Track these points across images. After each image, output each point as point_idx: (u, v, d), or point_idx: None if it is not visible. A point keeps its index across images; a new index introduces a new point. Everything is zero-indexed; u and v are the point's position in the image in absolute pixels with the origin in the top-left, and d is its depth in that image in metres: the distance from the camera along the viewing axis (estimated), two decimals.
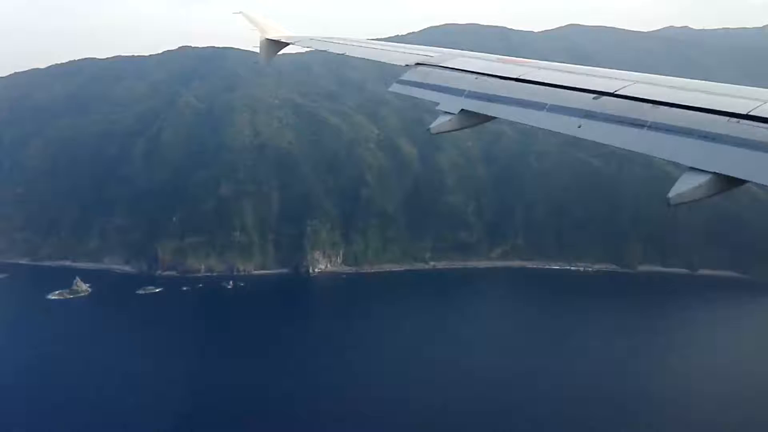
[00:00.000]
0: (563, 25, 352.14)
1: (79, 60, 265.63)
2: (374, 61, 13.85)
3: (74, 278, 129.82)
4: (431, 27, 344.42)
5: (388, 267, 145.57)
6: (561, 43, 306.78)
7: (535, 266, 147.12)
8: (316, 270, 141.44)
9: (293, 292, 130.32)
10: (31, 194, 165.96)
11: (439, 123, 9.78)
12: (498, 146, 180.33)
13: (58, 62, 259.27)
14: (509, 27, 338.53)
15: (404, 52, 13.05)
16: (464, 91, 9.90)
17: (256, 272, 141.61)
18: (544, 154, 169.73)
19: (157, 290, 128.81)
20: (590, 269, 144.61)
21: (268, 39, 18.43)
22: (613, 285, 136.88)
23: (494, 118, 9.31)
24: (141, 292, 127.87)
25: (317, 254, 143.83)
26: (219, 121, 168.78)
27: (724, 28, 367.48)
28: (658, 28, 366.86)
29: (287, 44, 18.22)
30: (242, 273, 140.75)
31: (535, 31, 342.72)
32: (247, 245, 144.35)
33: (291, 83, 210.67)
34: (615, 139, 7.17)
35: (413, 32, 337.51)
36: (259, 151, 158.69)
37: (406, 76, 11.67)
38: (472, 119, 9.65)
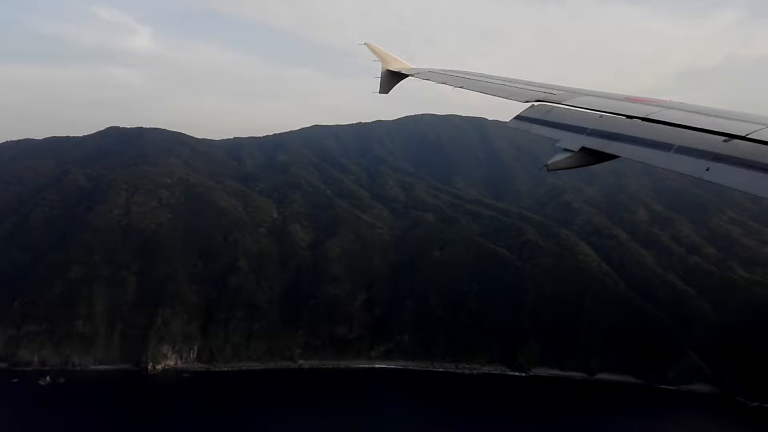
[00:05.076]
0: None
1: (15, 141, 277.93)
2: (492, 96, 14.47)
3: None
4: (407, 116, 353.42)
5: (247, 365, 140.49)
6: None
7: (416, 368, 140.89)
8: (158, 367, 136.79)
9: (111, 392, 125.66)
10: None
11: (557, 159, 10.42)
12: (413, 233, 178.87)
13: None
14: (488, 118, 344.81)
15: (524, 89, 13.86)
16: (586, 129, 10.47)
17: (93, 367, 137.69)
18: (450, 242, 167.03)
19: None
20: (476, 372, 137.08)
21: (389, 70, 20.54)
22: (497, 391, 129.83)
23: (616, 156, 9.70)
24: None
25: (165, 348, 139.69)
26: (96, 200, 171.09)
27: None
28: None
29: (407, 76, 20.00)
30: (77, 368, 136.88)
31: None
32: (90, 336, 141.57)
33: (202, 163, 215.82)
34: (745, 185, 7.34)
35: (381, 120, 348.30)
36: (123, 232, 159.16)
37: (525, 113, 12.50)
38: (592, 157, 10.15)
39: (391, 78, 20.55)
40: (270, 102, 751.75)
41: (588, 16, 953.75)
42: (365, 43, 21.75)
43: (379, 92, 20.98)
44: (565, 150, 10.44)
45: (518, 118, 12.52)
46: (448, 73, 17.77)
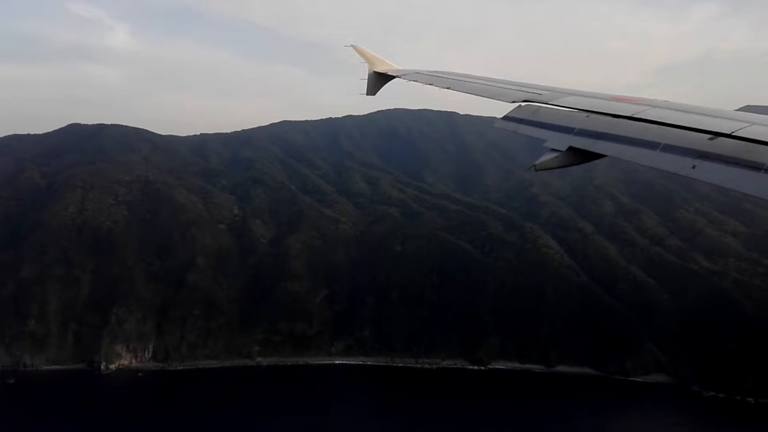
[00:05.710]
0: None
1: None
2: (479, 96, 14.67)
3: None
4: (378, 111, 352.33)
5: (204, 363, 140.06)
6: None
7: (376, 363, 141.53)
8: (112, 366, 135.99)
9: (62, 393, 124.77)
10: None
11: (545, 160, 10.56)
12: (376, 228, 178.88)
13: None
14: (459, 112, 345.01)
15: (511, 89, 14.05)
16: (573, 128, 10.65)
17: (46, 368, 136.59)
18: (413, 237, 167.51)
19: None
20: (435, 366, 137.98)
21: (375, 72, 20.84)
22: (457, 386, 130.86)
23: (603, 156, 9.91)
24: None
25: (119, 348, 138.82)
26: (50, 198, 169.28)
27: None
28: None
29: (393, 77, 20.21)
30: (29, 368, 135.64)
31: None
32: (42, 336, 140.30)
33: (164, 160, 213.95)
34: (730, 182, 7.51)
35: (352, 115, 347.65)
36: (77, 231, 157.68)
37: (512, 113, 12.70)
38: (579, 157, 10.33)
39: (378, 80, 20.88)
40: (248, 99, 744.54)
41: (572, 12, 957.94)
42: (352, 46, 21.98)
43: (366, 94, 21.27)
44: (553, 150, 10.61)
45: (505, 118, 12.73)
46: (434, 74, 18.10)
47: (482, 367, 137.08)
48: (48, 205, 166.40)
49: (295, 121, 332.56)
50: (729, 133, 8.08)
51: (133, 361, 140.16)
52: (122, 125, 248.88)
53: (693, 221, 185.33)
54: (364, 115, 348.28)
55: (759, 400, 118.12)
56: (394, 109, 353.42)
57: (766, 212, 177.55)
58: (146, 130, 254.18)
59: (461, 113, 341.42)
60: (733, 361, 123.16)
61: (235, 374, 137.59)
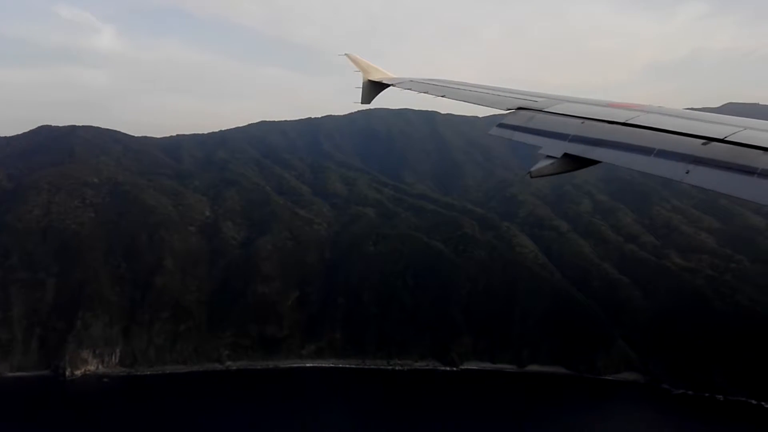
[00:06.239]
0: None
1: None
2: (473, 104, 15.08)
3: None
4: (358, 111, 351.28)
5: (172, 368, 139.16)
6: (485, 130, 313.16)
7: (347, 365, 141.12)
8: (77, 372, 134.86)
9: (24, 400, 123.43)
10: None
11: (541, 166, 10.65)
12: (351, 228, 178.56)
13: None
14: (440, 112, 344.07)
15: (506, 96, 14.25)
16: (568, 135, 10.80)
17: (10, 374, 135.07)
18: (386, 237, 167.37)
19: None
20: (407, 368, 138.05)
21: (370, 80, 20.95)
22: (429, 387, 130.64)
23: (598, 162, 10.10)
24: None
25: (85, 353, 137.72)
26: (16, 200, 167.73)
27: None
28: None
29: (388, 86, 20.35)
30: None
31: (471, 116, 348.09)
32: (6, 342, 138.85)
33: (135, 162, 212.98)
34: (724, 186, 7.64)
35: (332, 115, 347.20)
36: (42, 234, 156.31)
37: (507, 120, 12.81)
38: (574, 163, 10.45)
39: (373, 88, 20.94)
40: (233, 100, 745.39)
41: (560, 11, 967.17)
42: (346, 54, 22.05)
43: (361, 102, 21.41)
44: (548, 157, 10.69)
45: (501, 125, 12.78)
46: (429, 82, 18.24)
47: (454, 368, 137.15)
48: (13, 207, 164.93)
49: (274, 122, 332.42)
50: (722, 138, 8.24)
51: (100, 366, 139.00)
52: (94, 127, 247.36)
53: (669, 218, 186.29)
54: (344, 115, 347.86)
55: (728, 397, 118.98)
56: (375, 108, 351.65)
57: (740, 208, 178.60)
58: (118, 132, 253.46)
59: (442, 113, 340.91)
60: (702, 359, 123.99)
61: (204, 379, 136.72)
